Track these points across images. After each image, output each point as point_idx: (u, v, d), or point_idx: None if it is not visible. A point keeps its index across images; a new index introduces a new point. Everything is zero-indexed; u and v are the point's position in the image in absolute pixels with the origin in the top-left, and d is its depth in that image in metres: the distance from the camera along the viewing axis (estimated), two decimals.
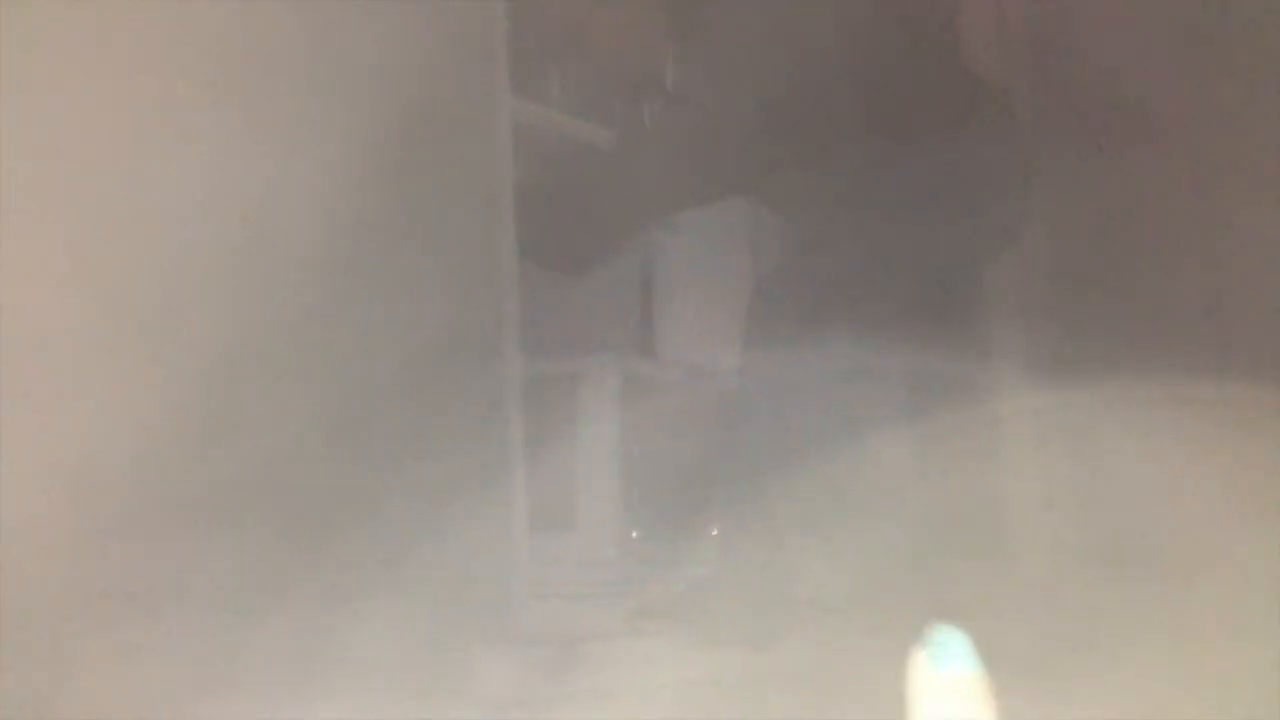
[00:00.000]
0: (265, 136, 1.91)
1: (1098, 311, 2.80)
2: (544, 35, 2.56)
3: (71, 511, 1.68)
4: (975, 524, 2.59)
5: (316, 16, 2.01)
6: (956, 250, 2.41)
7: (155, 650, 1.74)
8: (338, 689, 1.82)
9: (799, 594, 2.26)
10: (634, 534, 2.49)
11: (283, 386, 1.91)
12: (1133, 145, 2.77)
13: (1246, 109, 2.69)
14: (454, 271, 2.20)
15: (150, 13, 1.80)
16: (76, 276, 1.72)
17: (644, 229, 2.72)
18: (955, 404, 2.52)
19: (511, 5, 2.35)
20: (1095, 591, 2.43)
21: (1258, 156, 2.68)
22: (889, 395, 2.41)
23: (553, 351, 2.50)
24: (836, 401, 2.29)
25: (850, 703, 1.87)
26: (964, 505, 2.51)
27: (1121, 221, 2.84)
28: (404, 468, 2.05)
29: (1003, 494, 2.72)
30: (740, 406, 2.36)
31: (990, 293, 2.81)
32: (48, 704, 1.62)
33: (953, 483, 2.49)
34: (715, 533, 2.36)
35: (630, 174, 2.51)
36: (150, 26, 1.81)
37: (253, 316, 1.87)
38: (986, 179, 2.39)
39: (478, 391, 2.24)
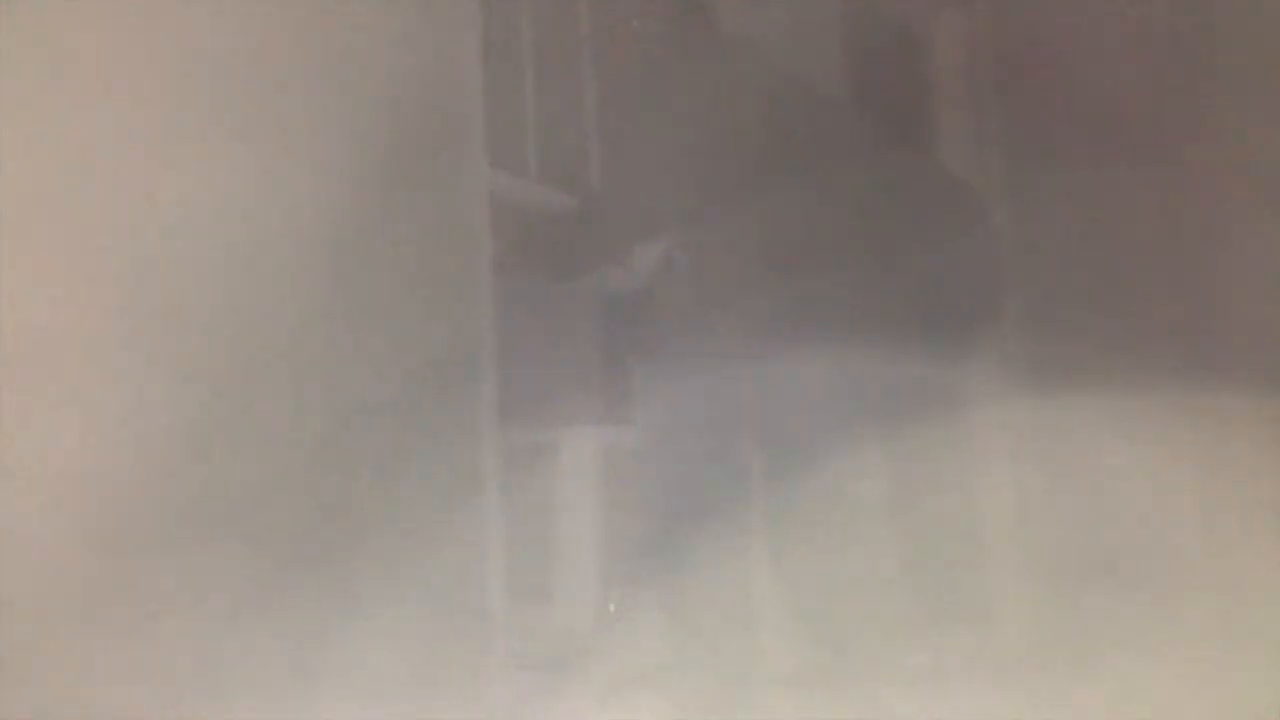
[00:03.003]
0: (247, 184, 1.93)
1: (1090, 322, 2.80)
2: (519, 106, 2.57)
3: (72, 516, 1.69)
4: (959, 553, 2.57)
5: (285, 90, 2.02)
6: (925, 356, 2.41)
7: (157, 655, 1.75)
8: None
9: (774, 667, 2.24)
10: (611, 606, 2.47)
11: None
12: (1125, 156, 2.77)
13: (1239, 119, 2.70)
14: (431, 343, 2.20)
15: (149, 15, 1.82)
16: (76, 281, 1.73)
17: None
18: (940, 418, 2.51)
19: (486, 75, 2.37)
20: (1091, 604, 2.42)
21: (1251, 167, 2.69)
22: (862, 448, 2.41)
23: (531, 421, 2.50)
24: (801, 456, 2.29)
25: None
26: (948, 539, 2.49)
27: (1115, 231, 2.84)
28: (378, 535, 2.04)
29: (991, 507, 2.70)
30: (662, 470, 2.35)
31: (974, 305, 2.80)
32: (49, 709, 1.62)
33: (935, 510, 2.48)
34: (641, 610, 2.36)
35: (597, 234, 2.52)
36: (150, 29, 1.83)
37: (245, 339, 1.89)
38: (956, 280, 2.39)
39: (454, 461, 2.24)
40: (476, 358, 2.26)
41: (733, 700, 2.21)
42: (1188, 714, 1.83)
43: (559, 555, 2.47)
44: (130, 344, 1.74)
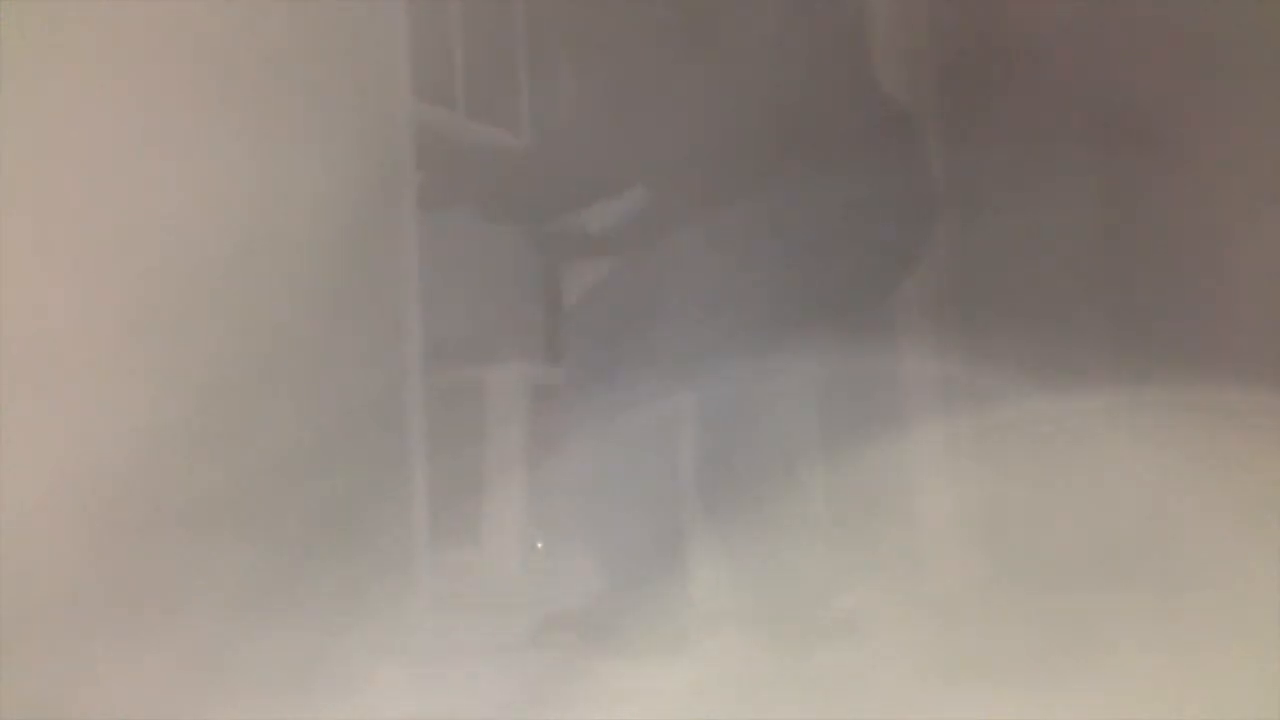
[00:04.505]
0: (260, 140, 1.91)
1: (1092, 316, 2.81)
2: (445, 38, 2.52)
3: (72, 514, 1.68)
4: (958, 532, 2.58)
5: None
6: (859, 274, 2.38)
7: (154, 653, 1.73)
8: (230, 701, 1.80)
9: (704, 606, 2.23)
10: (539, 545, 2.46)
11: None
12: (1129, 151, 2.77)
13: (1244, 114, 2.71)
14: (355, 276, 2.16)
15: (148, 14, 1.80)
16: (76, 280, 1.72)
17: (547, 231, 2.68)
18: (941, 412, 2.51)
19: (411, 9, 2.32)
20: (1092, 599, 2.43)
21: (1256, 162, 2.69)
22: (808, 409, 2.39)
23: (458, 359, 2.46)
24: (753, 414, 2.27)
25: (757, 713, 1.85)
26: (948, 513, 2.50)
27: (1117, 226, 2.85)
28: (303, 477, 2.00)
29: (994, 500, 2.71)
30: (644, 419, 2.33)
31: (978, 297, 2.80)
32: (48, 706, 1.62)
33: (927, 496, 2.48)
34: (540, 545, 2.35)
35: (533, 178, 2.47)
36: (148, 28, 1.81)
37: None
38: (891, 206, 2.37)
39: (380, 399, 2.20)
40: (400, 292, 2.21)
41: (663, 640, 2.20)
42: (1191, 704, 1.85)
43: (486, 495, 2.45)
44: (131, 341, 1.74)
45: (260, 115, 1.99)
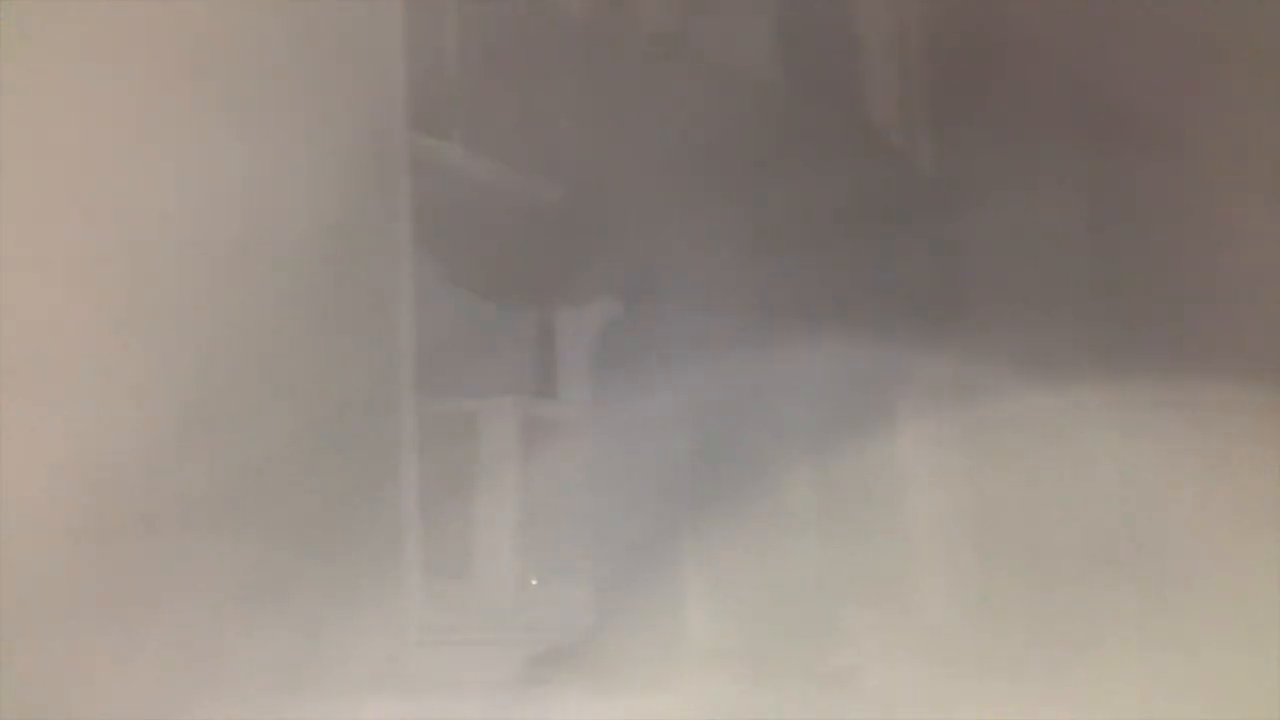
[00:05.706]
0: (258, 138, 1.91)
1: (1086, 313, 2.80)
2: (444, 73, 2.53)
3: (70, 511, 1.68)
4: (945, 531, 2.57)
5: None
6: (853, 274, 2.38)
7: (154, 650, 1.74)
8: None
9: (696, 641, 2.22)
10: (532, 581, 2.44)
11: None
12: (1123, 147, 2.77)
13: (1241, 109, 2.71)
14: (347, 305, 2.15)
15: (146, 12, 1.81)
16: (73, 276, 1.72)
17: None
18: (933, 408, 2.50)
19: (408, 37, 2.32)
20: (1085, 597, 2.42)
21: (1252, 160, 2.70)
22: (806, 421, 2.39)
23: (450, 391, 2.45)
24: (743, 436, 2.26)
25: None
26: (934, 511, 2.49)
27: (1111, 222, 2.85)
28: (290, 507, 1.99)
29: (980, 499, 2.70)
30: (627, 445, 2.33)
31: (969, 294, 2.79)
32: (41, 705, 1.62)
33: (921, 493, 2.47)
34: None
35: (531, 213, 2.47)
36: (146, 26, 1.82)
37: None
38: (886, 206, 2.38)
39: (370, 431, 2.19)
40: (393, 323, 2.20)
41: (656, 679, 2.19)
42: (1187, 701, 1.85)
43: (478, 528, 2.43)
44: (125, 338, 1.74)
45: (256, 123, 1.98)
